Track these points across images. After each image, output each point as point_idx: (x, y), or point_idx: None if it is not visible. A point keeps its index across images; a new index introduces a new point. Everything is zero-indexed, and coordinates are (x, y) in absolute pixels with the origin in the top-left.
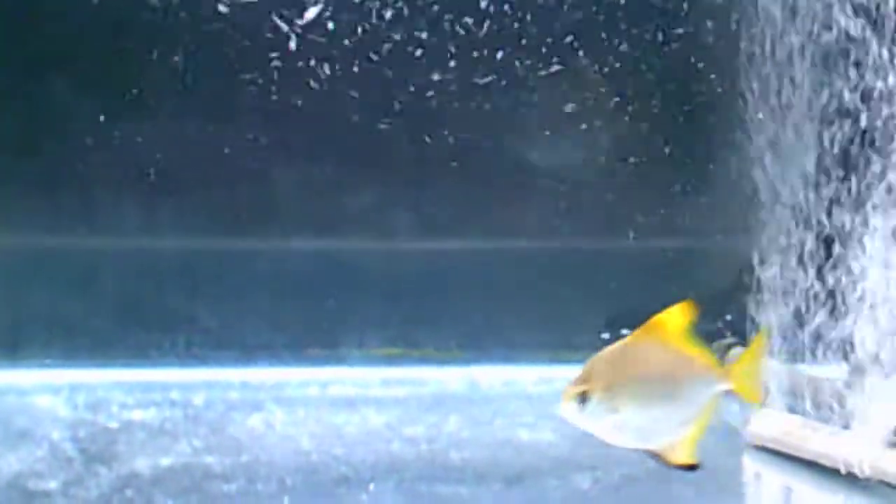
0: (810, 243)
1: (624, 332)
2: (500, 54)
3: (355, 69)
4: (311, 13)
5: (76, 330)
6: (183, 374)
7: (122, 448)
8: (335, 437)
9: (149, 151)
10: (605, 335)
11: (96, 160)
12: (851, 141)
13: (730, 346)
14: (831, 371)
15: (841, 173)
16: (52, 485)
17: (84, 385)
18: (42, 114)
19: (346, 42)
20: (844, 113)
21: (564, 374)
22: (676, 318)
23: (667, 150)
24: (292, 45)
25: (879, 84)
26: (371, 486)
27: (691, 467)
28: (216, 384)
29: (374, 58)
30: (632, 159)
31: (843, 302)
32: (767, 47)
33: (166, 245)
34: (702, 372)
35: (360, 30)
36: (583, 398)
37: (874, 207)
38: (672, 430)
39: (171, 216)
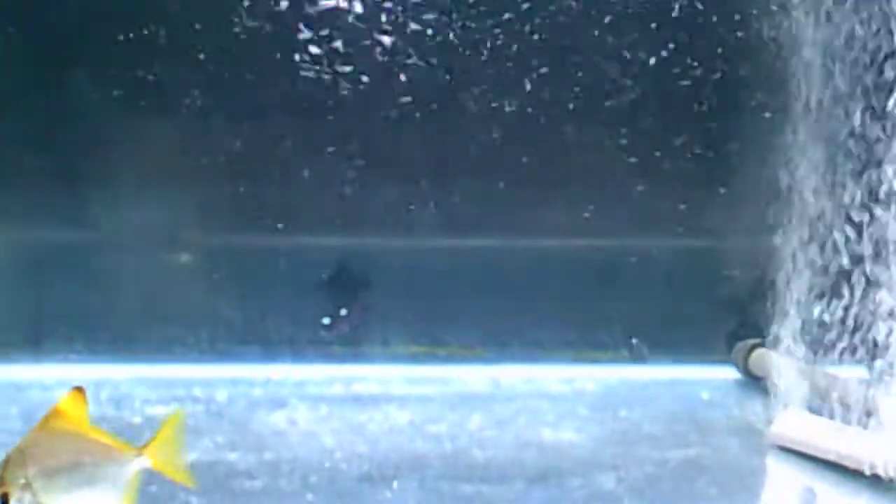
0: (835, 243)
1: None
2: (520, 53)
3: (379, 67)
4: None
5: (99, 325)
6: (206, 370)
7: None
8: (358, 434)
9: (171, 146)
10: None
11: (118, 155)
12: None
13: (753, 347)
14: (856, 372)
15: (867, 173)
16: None
17: (107, 380)
18: (62, 108)
19: (369, 40)
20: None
21: (588, 373)
22: (73, 405)
23: (691, 149)
24: (315, 41)
25: None
26: (394, 484)
27: None
28: (239, 381)
29: (399, 56)
30: (656, 158)
31: (870, 303)
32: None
33: (189, 240)
34: (117, 454)
35: (385, 28)
36: (4, 499)
37: None
38: None
39: (194, 211)
